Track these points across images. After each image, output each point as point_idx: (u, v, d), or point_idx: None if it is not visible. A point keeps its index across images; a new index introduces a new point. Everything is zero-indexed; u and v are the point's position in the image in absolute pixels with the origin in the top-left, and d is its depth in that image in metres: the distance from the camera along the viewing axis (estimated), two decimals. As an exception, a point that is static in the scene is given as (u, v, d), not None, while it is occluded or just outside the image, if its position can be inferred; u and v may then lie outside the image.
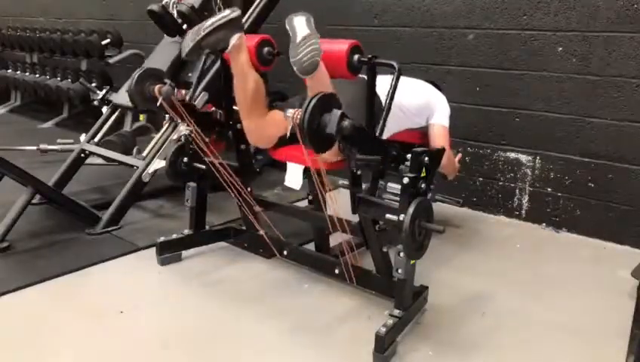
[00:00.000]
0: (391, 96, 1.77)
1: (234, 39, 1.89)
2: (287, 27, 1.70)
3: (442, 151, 1.75)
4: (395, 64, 1.75)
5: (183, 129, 2.14)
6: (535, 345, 1.75)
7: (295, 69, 1.65)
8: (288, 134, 1.60)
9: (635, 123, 2.47)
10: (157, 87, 2.00)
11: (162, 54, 3.11)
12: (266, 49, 1.98)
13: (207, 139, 2.09)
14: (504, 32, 2.78)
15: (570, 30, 2.58)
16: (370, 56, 1.73)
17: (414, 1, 3.07)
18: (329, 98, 1.49)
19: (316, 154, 1.58)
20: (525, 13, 2.70)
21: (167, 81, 2.03)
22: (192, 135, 2.08)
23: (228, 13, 1.88)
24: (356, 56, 1.74)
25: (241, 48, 1.91)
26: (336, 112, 1.45)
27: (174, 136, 2.50)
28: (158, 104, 1.98)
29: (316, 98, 1.45)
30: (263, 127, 1.97)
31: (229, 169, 2.18)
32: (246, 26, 2.90)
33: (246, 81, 1.93)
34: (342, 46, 1.73)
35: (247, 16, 2.93)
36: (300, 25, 1.68)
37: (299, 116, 1.44)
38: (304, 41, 1.63)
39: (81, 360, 1.63)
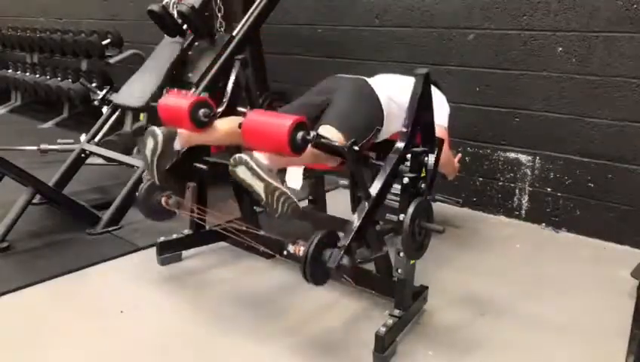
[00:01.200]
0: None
1: (177, 147, 1.85)
2: (237, 180, 1.59)
3: (442, 141, 1.70)
4: (345, 149, 1.60)
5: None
6: (535, 344, 1.75)
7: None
8: None
9: (635, 123, 2.47)
10: (163, 199, 2.02)
11: (162, 56, 3.11)
12: (201, 111, 1.87)
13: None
14: (504, 32, 2.78)
15: (570, 30, 2.58)
16: (314, 134, 1.58)
17: (414, 1, 3.07)
18: (329, 237, 1.46)
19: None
20: (525, 13, 2.70)
21: (168, 192, 2.03)
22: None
23: (153, 147, 1.81)
24: (300, 134, 1.55)
25: (186, 141, 1.88)
26: (336, 256, 1.43)
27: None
28: (177, 214, 2.04)
29: (317, 239, 1.42)
30: None
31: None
32: (246, 26, 2.91)
33: (220, 141, 1.97)
34: (284, 122, 1.53)
35: (247, 16, 2.93)
36: (247, 178, 1.55)
37: (301, 250, 1.45)
38: (269, 197, 1.53)
39: (81, 359, 1.63)
